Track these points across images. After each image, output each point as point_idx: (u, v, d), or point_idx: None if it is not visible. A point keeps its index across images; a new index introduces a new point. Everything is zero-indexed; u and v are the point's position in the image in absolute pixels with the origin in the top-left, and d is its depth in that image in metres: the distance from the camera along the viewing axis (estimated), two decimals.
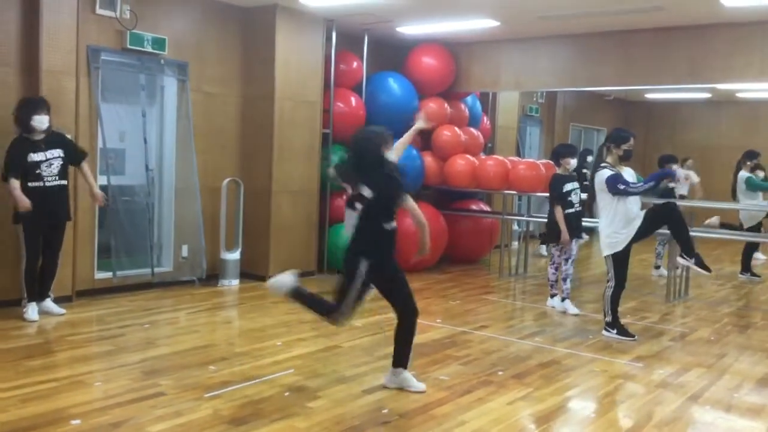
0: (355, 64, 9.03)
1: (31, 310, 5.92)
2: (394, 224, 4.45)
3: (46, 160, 5.83)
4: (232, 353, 5.25)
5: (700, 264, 5.98)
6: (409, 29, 8.93)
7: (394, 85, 9.23)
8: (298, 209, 8.38)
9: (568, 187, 7.14)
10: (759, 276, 9.77)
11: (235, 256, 7.89)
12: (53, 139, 5.94)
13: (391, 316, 6.62)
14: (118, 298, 6.85)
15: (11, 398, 4.10)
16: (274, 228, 8.11)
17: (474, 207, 10.27)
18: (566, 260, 7.22)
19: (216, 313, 6.71)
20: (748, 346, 6.08)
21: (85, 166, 6.14)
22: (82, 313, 6.29)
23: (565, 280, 7.26)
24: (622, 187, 5.85)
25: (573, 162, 7.28)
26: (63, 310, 6.11)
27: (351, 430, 3.85)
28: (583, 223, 7.40)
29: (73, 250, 6.57)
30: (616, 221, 5.95)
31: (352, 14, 8.16)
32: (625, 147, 5.99)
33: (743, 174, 9.58)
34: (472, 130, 10.28)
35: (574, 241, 7.17)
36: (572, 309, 7.17)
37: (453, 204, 10.14)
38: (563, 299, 7.28)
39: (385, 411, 4.17)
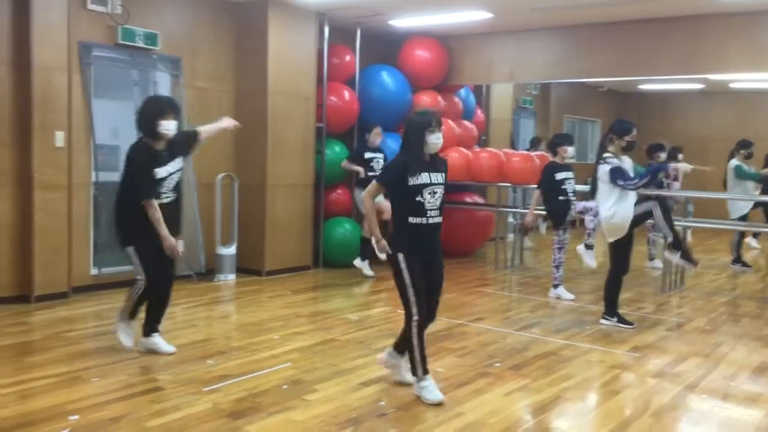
0: (347, 57, 9.01)
1: (125, 334, 5.03)
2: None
3: (168, 176, 4.84)
4: (229, 347, 5.26)
5: (687, 258, 6.08)
6: (402, 22, 8.92)
7: (387, 78, 9.22)
8: (293, 204, 8.37)
9: (561, 175, 7.23)
10: (750, 266, 9.80)
11: (230, 251, 7.88)
12: (175, 145, 4.92)
13: (384, 309, 6.69)
14: (114, 294, 6.82)
15: (10, 394, 4.10)
16: (270, 223, 8.11)
17: (468, 200, 10.28)
18: (559, 249, 7.32)
19: (213, 307, 6.71)
20: (744, 335, 6.11)
21: (201, 131, 5.18)
22: (79, 309, 6.28)
23: (558, 267, 7.37)
24: (621, 182, 5.93)
25: (570, 150, 7.33)
26: (173, 348, 5.03)
27: (348, 423, 3.85)
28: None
29: (68, 247, 6.56)
30: (614, 210, 6.00)
31: (345, 7, 8.14)
32: (627, 138, 6.02)
33: (733, 162, 9.59)
34: (466, 122, 10.29)
35: (566, 229, 7.33)
36: (567, 295, 7.31)
37: (447, 197, 10.10)
38: (556, 286, 7.41)
39: (382, 403, 4.18)
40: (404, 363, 4.46)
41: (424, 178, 4.13)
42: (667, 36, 8.19)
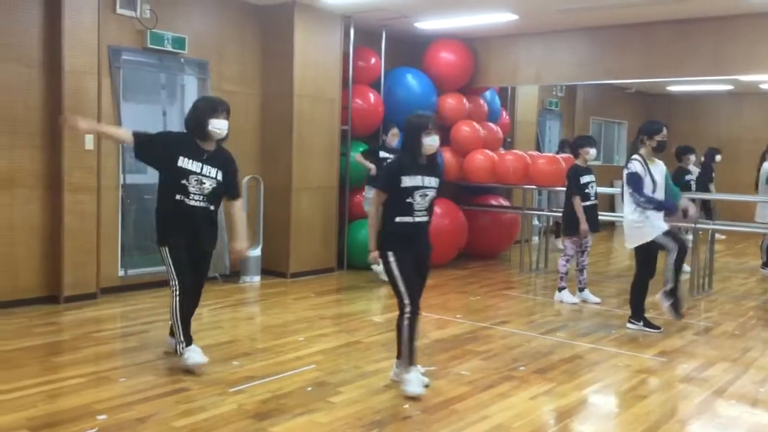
0: (373, 60, 9.03)
1: (193, 355, 4.64)
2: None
3: (200, 173, 4.59)
4: (254, 349, 5.29)
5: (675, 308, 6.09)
6: (427, 24, 8.91)
7: (412, 81, 9.23)
8: (318, 206, 8.40)
9: (585, 179, 7.16)
10: None
11: (256, 253, 7.93)
12: (220, 155, 4.75)
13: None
14: (142, 295, 6.92)
15: (38, 394, 4.17)
16: (295, 225, 8.15)
17: (493, 202, 10.24)
18: (582, 252, 7.30)
19: (238, 309, 6.76)
20: None
21: (238, 206, 4.93)
22: (107, 310, 6.36)
23: (582, 271, 7.37)
24: (629, 190, 5.88)
25: (592, 152, 7.27)
26: (205, 359, 4.69)
27: (373, 425, 3.86)
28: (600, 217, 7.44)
29: (97, 248, 6.66)
30: (636, 213, 5.93)
31: (370, 10, 8.16)
32: (658, 138, 5.94)
33: (766, 166, 9.46)
34: (491, 125, 10.25)
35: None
36: (593, 298, 7.27)
37: (472, 199, 10.12)
38: (581, 289, 7.37)
39: (407, 406, 4.17)
40: (413, 368, 4.46)
41: (417, 180, 4.29)
42: (695, 37, 8.10)
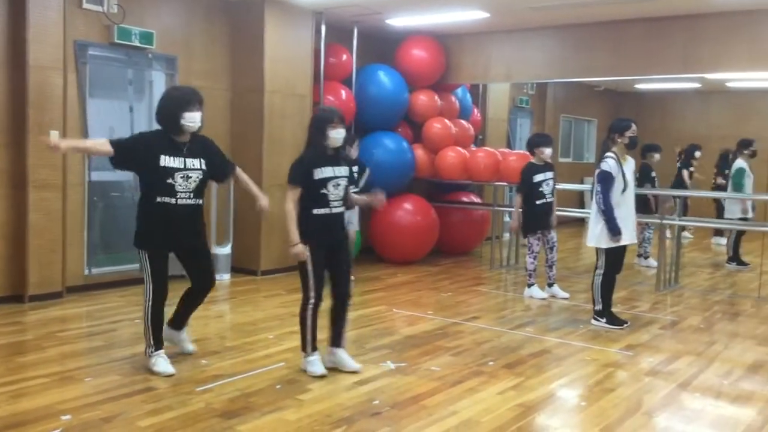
0: (344, 56, 9.00)
1: (162, 363, 4.54)
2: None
3: (184, 169, 4.47)
4: (223, 347, 5.26)
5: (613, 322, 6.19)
6: (399, 21, 8.91)
7: (384, 77, 9.22)
8: None
9: (539, 177, 7.21)
10: (748, 264, 9.81)
11: (226, 250, 7.88)
12: (197, 142, 4.62)
13: (379, 309, 6.70)
14: (108, 294, 6.83)
15: (2, 394, 4.10)
16: (265, 222, 8.09)
17: (465, 199, 10.28)
18: (550, 249, 7.38)
19: (207, 307, 6.67)
20: (738, 334, 6.12)
21: (240, 172, 4.92)
22: (73, 309, 6.27)
23: (551, 267, 7.44)
24: (598, 189, 5.95)
25: (547, 152, 7.30)
26: (173, 370, 4.57)
27: (342, 422, 3.85)
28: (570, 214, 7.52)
29: (62, 246, 6.56)
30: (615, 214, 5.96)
31: (342, 6, 8.13)
32: (629, 134, 6.00)
33: (737, 163, 9.65)
34: (463, 122, 10.28)
35: (552, 230, 7.37)
36: (561, 293, 7.35)
37: (444, 196, 10.15)
38: (550, 285, 7.46)
39: (376, 402, 4.18)
40: (344, 354, 4.77)
41: (327, 171, 4.49)
42: (665, 35, 8.19)
